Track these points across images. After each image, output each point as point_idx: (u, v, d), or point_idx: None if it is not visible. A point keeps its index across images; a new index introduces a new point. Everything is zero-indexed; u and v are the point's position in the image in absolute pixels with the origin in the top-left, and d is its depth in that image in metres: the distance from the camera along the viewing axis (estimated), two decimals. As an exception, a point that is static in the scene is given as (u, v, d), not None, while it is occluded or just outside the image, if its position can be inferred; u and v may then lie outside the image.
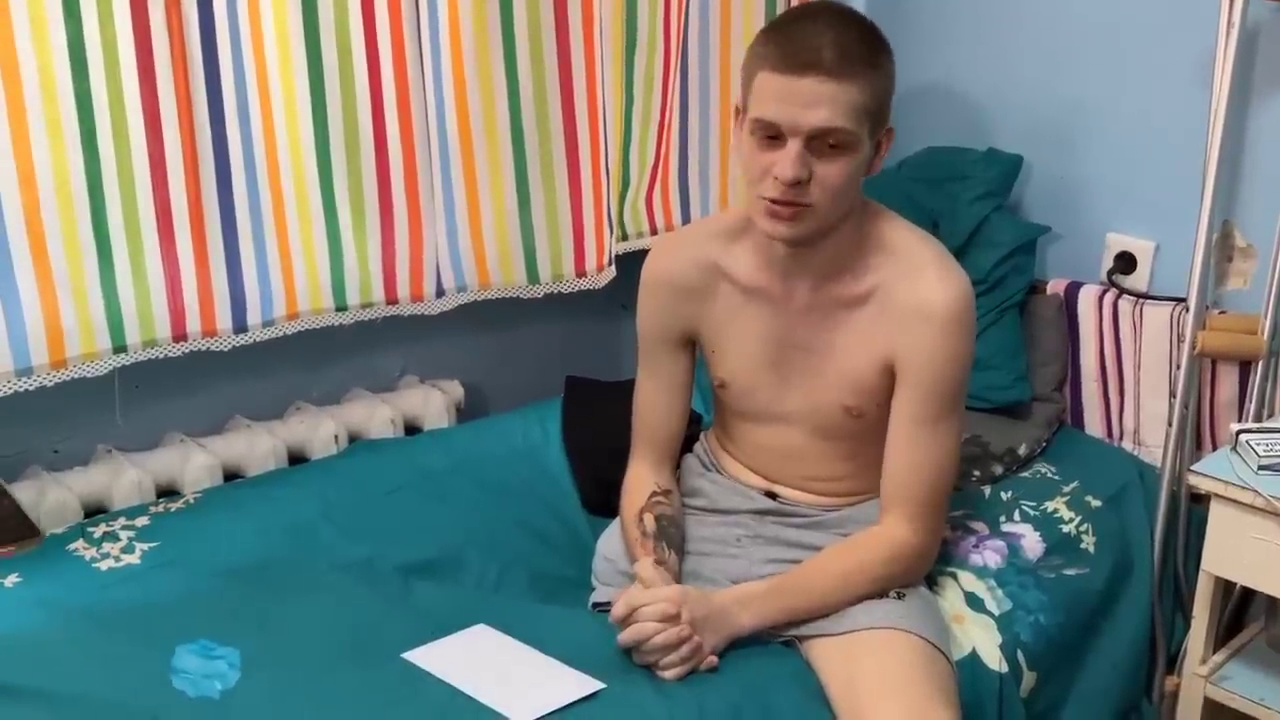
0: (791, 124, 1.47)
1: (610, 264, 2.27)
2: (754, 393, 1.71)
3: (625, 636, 1.49)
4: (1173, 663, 1.99)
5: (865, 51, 1.50)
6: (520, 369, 2.41)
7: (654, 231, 2.35)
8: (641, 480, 1.75)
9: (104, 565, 1.68)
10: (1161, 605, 1.98)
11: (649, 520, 1.68)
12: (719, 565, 1.69)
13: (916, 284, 1.58)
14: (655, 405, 1.78)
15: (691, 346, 1.77)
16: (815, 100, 1.46)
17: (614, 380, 2.17)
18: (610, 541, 1.79)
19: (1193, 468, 1.82)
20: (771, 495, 1.75)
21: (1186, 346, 1.99)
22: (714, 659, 1.52)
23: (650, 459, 1.78)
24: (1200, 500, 1.90)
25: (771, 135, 1.50)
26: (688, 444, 1.86)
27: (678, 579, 1.63)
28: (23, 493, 1.81)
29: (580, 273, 2.24)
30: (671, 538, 1.67)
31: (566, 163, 2.16)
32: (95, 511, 1.85)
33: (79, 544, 1.71)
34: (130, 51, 1.71)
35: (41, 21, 1.64)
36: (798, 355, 1.66)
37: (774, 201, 1.51)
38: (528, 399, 2.22)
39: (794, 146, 1.48)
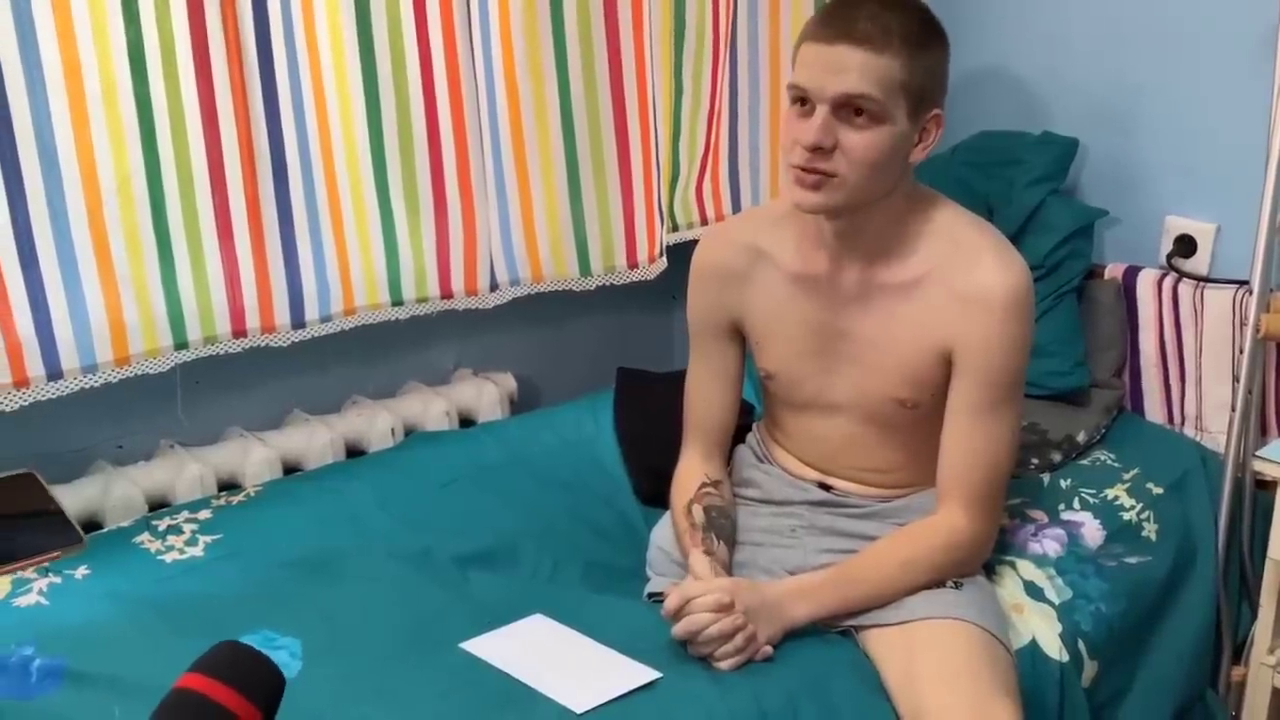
0: (818, 89, 1.47)
1: (661, 255, 2.27)
2: (801, 383, 1.70)
3: (680, 629, 1.48)
4: (1239, 652, 1.95)
5: (908, 30, 1.48)
6: (572, 361, 2.41)
7: (704, 222, 2.35)
8: (691, 471, 1.75)
9: (168, 557, 1.71)
10: (1227, 594, 1.95)
11: (698, 511, 1.67)
12: (775, 556, 1.68)
13: (974, 270, 1.56)
14: (705, 395, 1.78)
15: (741, 337, 1.76)
16: (843, 67, 1.46)
17: (666, 371, 2.17)
18: (664, 531, 1.78)
19: (1258, 453, 1.79)
20: (825, 487, 1.73)
21: (1250, 330, 1.95)
22: (769, 649, 1.51)
23: (701, 449, 1.77)
24: (1266, 486, 1.87)
25: (802, 101, 1.50)
26: (740, 435, 1.85)
27: (728, 570, 1.62)
28: (88, 488, 1.86)
29: (632, 264, 2.24)
30: (721, 529, 1.67)
31: (617, 155, 2.17)
32: (159, 505, 1.89)
33: (144, 537, 1.75)
34: (188, 54, 1.74)
35: (103, 25, 1.67)
36: (845, 344, 1.65)
37: (799, 169, 1.51)
38: (580, 391, 2.23)
39: (820, 112, 1.48)
